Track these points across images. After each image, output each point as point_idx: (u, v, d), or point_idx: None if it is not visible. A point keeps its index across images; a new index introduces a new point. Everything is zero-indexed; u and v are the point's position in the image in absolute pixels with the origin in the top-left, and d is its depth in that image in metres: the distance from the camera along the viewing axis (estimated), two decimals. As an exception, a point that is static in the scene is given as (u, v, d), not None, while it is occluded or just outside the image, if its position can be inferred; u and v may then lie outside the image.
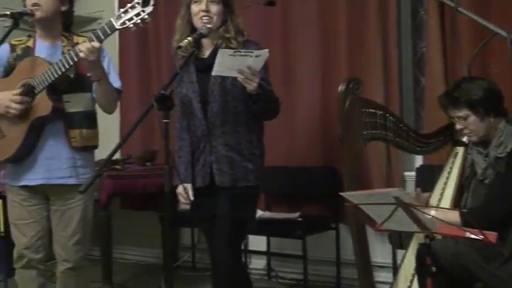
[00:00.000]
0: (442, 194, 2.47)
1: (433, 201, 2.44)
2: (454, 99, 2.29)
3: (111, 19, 2.28)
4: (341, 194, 2.03)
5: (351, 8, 3.48)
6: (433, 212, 2.02)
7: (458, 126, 2.34)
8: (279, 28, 3.75)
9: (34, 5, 2.43)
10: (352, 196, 2.00)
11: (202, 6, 2.37)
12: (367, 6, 3.42)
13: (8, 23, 3.64)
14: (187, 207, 2.57)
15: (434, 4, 3.14)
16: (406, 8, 3.59)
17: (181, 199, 2.52)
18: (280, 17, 3.74)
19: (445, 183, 2.49)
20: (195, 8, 2.40)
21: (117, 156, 4.01)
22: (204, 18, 2.37)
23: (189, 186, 2.50)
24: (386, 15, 3.37)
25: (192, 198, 2.48)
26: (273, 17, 3.75)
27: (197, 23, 2.38)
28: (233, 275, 2.45)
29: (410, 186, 3.23)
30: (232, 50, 2.23)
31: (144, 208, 4.26)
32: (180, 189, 2.50)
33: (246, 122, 2.44)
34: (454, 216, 2.13)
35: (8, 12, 2.29)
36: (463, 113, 2.28)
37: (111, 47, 3.52)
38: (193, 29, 2.41)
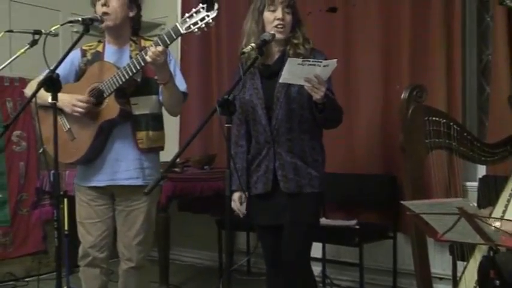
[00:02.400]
0: (506, 206, 2.39)
1: (497, 213, 2.37)
2: None
3: (177, 23, 2.34)
4: (403, 202, 2.00)
5: (414, 13, 3.43)
6: (497, 224, 1.96)
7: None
8: (340, 35, 3.74)
9: (104, 14, 2.52)
10: (414, 205, 1.97)
11: (278, 14, 2.40)
12: (432, 12, 3.36)
13: (77, 28, 3.83)
14: (240, 212, 2.58)
15: (502, 10, 3.05)
16: (471, 14, 3.50)
17: (235, 207, 2.54)
18: (342, 23, 3.73)
19: (511, 195, 2.41)
20: (269, 15, 2.42)
21: (178, 159, 4.12)
22: (279, 26, 2.40)
23: (241, 194, 2.52)
24: (451, 20, 3.30)
25: (244, 211, 2.50)
26: (334, 23, 3.74)
27: (270, 30, 2.40)
28: (303, 282, 2.45)
29: (473, 196, 3.14)
30: (301, 59, 2.24)
31: (200, 211, 4.32)
32: (235, 196, 2.53)
33: (310, 129, 2.45)
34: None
35: (79, 18, 2.38)
36: None
37: (173, 51, 3.60)
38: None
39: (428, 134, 2.38)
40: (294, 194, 2.43)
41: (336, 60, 2.25)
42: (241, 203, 2.53)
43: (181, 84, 2.61)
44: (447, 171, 2.79)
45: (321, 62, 2.21)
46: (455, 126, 2.42)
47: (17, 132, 4.00)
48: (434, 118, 2.39)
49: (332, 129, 2.59)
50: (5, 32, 2.40)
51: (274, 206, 2.47)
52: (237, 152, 2.56)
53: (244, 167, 2.54)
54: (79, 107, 2.48)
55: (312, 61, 2.22)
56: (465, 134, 2.45)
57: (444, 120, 2.41)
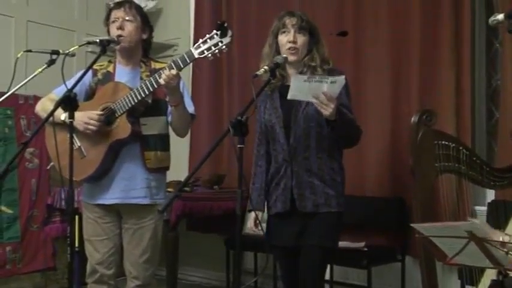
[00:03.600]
0: (515, 231, 2.39)
1: (506, 238, 2.37)
2: None
3: (191, 48, 2.39)
4: (412, 225, 2.01)
5: (424, 37, 3.46)
6: (506, 238, 1.96)
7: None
8: (350, 58, 3.77)
9: (119, 36, 2.58)
10: (423, 228, 1.98)
11: (290, 37, 2.44)
12: (441, 36, 3.39)
13: (92, 48, 3.90)
14: (255, 232, 2.59)
15: (510, 36, 3.08)
16: (480, 39, 3.54)
17: (252, 226, 2.55)
18: (352, 46, 3.76)
19: (519, 220, 2.41)
20: (282, 38, 2.47)
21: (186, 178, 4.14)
22: (291, 48, 2.44)
23: (260, 214, 2.53)
24: (461, 45, 3.33)
25: (263, 230, 2.49)
26: (344, 46, 3.77)
27: (284, 52, 2.45)
28: None
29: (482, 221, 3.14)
30: (306, 76, 2.27)
31: (209, 230, 4.33)
32: (252, 216, 2.54)
33: (328, 148, 2.45)
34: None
35: (97, 40, 2.44)
36: None
37: (185, 73, 3.65)
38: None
39: (437, 157, 2.40)
40: (311, 213, 2.43)
41: (343, 77, 2.26)
42: (256, 224, 2.53)
43: (189, 106, 2.65)
44: (456, 195, 2.80)
45: (327, 78, 2.23)
46: (464, 150, 2.45)
47: (30, 150, 4.05)
48: (443, 142, 2.42)
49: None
50: (24, 51, 2.46)
51: (292, 227, 2.46)
52: (256, 172, 2.58)
53: (263, 187, 2.55)
54: (91, 124, 2.52)
55: (318, 77, 2.24)
56: (474, 158, 2.47)
57: (453, 145, 2.43)
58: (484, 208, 3.19)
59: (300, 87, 2.24)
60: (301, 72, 2.46)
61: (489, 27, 3.48)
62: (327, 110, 2.24)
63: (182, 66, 2.41)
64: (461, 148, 2.45)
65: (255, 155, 2.60)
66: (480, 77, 3.54)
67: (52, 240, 4.13)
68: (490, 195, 3.24)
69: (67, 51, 2.38)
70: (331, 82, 2.22)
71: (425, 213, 2.43)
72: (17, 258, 4.01)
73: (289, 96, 2.31)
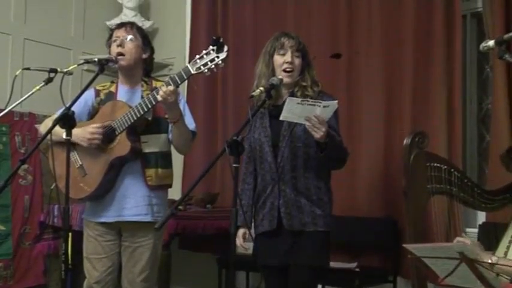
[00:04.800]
0: (506, 253, 2.41)
1: (494, 259, 2.39)
2: None
3: (188, 65, 2.41)
4: (404, 245, 2.03)
5: (416, 60, 3.51)
6: (494, 258, 1.98)
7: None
8: (343, 80, 3.81)
9: (119, 54, 2.61)
10: (415, 249, 2.00)
11: (288, 58, 2.49)
12: (433, 60, 3.45)
13: (88, 67, 3.93)
14: (245, 251, 2.61)
15: (501, 62, 3.14)
16: (472, 64, 3.61)
17: (238, 242, 2.56)
18: (345, 69, 3.81)
19: (510, 242, 2.44)
20: (279, 58, 2.51)
21: (179, 196, 4.14)
22: (288, 69, 2.48)
23: (247, 231, 2.56)
24: (452, 69, 3.38)
25: (247, 246, 2.51)
26: (338, 68, 3.82)
27: (279, 73, 2.49)
28: None
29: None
30: (300, 99, 2.30)
31: (201, 249, 4.33)
32: (240, 232, 2.56)
33: (315, 168, 2.48)
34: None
35: (95, 59, 2.47)
36: None
37: (180, 91, 3.67)
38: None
39: (429, 179, 2.43)
40: (298, 232, 2.45)
41: (336, 101, 2.31)
42: (244, 239, 2.56)
43: (190, 123, 2.67)
44: (448, 216, 2.82)
45: (320, 102, 2.26)
46: (456, 172, 2.48)
47: (24, 166, 4.04)
48: (435, 164, 2.45)
49: (334, 171, 2.64)
50: (22, 69, 2.48)
51: (279, 246, 2.48)
52: (243, 189, 2.61)
53: (250, 204, 2.58)
54: (95, 138, 2.54)
55: (312, 101, 2.28)
56: (465, 180, 2.50)
57: (445, 167, 2.47)
58: (475, 230, 3.22)
59: (293, 109, 2.28)
60: (292, 92, 2.50)
61: (480, 52, 3.56)
62: (318, 133, 2.28)
63: (179, 82, 2.44)
64: (452, 170, 2.48)
65: (243, 172, 2.63)
66: (471, 100, 3.60)
67: (44, 257, 4.11)
68: (481, 217, 3.27)
69: (65, 70, 2.40)
70: (324, 106, 2.26)
71: (417, 234, 2.45)
72: (8, 275, 3.99)
73: (281, 117, 2.34)
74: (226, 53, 2.35)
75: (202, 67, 2.37)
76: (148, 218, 2.61)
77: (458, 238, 1.99)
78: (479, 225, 3.20)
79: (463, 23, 3.52)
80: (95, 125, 2.56)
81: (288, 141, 2.47)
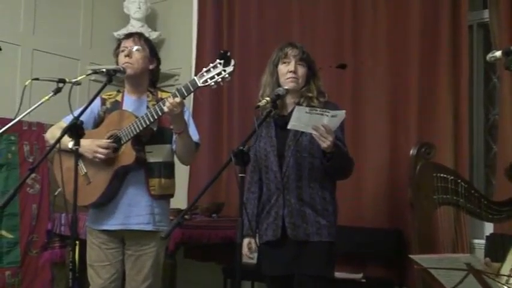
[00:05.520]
0: (514, 265, 2.40)
1: (505, 270, 2.38)
2: None
3: (195, 77, 2.43)
4: (411, 256, 2.03)
5: (422, 70, 3.51)
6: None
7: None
8: (349, 90, 3.82)
9: (126, 63, 2.64)
10: (422, 259, 2.00)
11: (291, 67, 2.50)
12: (439, 70, 3.44)
13: (95, 77, 3.97)
14: (250, 261, 2.61)
15: (508, 73, 3.14)
16: (479, 74, 3.60)
17: (246, 252, 2.57)
18: (351, 79, 3.82)
19: (518, 253, 2.43)
20: (283, 68, 2.53)
21: (185, 206, 4.15)
22: (291, 78, 2.49)
23: (252, 240, 2.56)
24: (459, 79, 3.38)
25: (253, 256, 2.52)
26: (343, 78, 3.82)
27: (283, 82, 2.51)
28: None
29: (479, 254, 3.14)
30: (308, 108, 2.32)
31: (206, 259, 4.32)
32: (245, 241, 2.56)
33: (320, 178, 2.49)
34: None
35: (103, 69, 2.49)
36: None
37: (186, 102, 3.70)
38: (278, 87, 2.51)
39: (436, 190, 2.43)
40: (302, 242, 2.45)
41: (344, 111, 2.32)
42: (249, 249, 2.56)
43: (194, 134, 2.69)
44: (454, 227, 2.82)
45: (328, 112, 2.28)
46: (462, 183, 2.48)
47: (32, 175, 4.06)
48: (442, 175, 2.45)
49: (340, 181, 2.64)
50: (32, 79, 2.50)
51: (284, 255, 2.49)
52: (248, 198, 2.61)
53: (255, 213, 2.58)
54: (100, 153, 2.56)
55: (320, 110, 2.30)
56: (472, 191, 2.50)
57: (452, 177, 2.47)
58: (483, 241, 3.21)
59: (301, 118, 2.29)
60: (298, 103, 2.51)
61: (487, 62, 3.56)
62: (325, 143, 2.30)
63: (186, 94, 2.46)
64: (459, 181, 2.48)
65: (248, 181, 2.63)
66: (478, 111, 3.59)
67: (51, 266, 4.12)
68: (489, 228, 3.26)
69: (74, 80, 2.43)
70: (332, 116, 2.28)
71: (424, 245, 2.45)
72: (16, 283, 4.00)
73: (289, 126, 2.35)
74: (233, 67, 2.37)
75: (209, 80, 2.39)
76: (150, 227, 2.64)
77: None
78: (487, 236, 3.19)
79: (470, 34, 3.52)
80: (104, 141, 2.57)
81: (294, 151, 2.48)
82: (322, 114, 2.27)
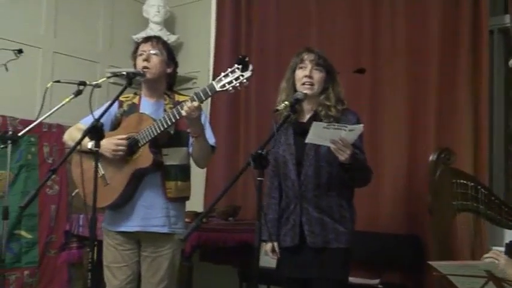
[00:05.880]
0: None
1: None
2: None
3: (213, 82, 2.44)
4: (430, 263, 2.01)
5: (442, 76, 3.49)
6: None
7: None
8: (367, 95, 3.81)
9: (144, 67, 2.66)
10: (441, 266, 1.98)
11: (306, 71, 2.50)
12: (459, 76, 3.42)
13: (114, 80, 4.00)
14: (269, 264, 2.61)
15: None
16: (499, 80, 3.57)
17: (270, 255, 2.57)
18: (369, 84, 3.80)
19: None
20: (299, 73, 2.53)
21: (201, 209, 4.17)
22: (307, 83, 2.49)
23: (275, 244, 2.56)
24: (479, 85, 3.35)
25: (279, 255, 2.52)
26: (361, 84, 3.81)
27: (299, 87, 2.51)
28: None
29: (502, 259, 3.10)
30: (326, 123, 2.32)
31: (222, 262, 4.32)
32: (269, 246, 2.56)
33: (338, 186, 2.49)
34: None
35: (124, 72, 2.52)
36: None
37: (204, 106, 3.71)
38: (295, 92, 2.52)
39: (455, 196, 2.42)
40: (320, 249, 2.45)
41: (362, 125, 2.32)
42: (273, 252, 2.56)
43: (210, 138, 2.70)
44: (474, 234, 2.79)
45: (346, 126, 2.28)
46: (482, 189, 2.46)
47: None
48: (461, 181, 2.44)
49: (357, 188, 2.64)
50: (53, 82, 2.54)
51: (302, 260, 2.49)
52: (269, 203, 2.61)
53: (275, 218, 2.58)
54: (119, 150, 2.58)
55: (337, 126, 2.29)
56: (493, 198, 2.48)
57: (472, 184, 2.45)
58: (502, 248, 3.16)
59: (318, 133, 2.30)
60: (315, 112, 2.51)
61: (508, 67, 3.52)
62: (343, 156, 2.30)
63: (204, 98, 2.46)
64: (479, 187, 2.46)
65: (268, 186, 2.64)
66: (498, 117, 3.56)
67: (68, 266, 4.16)
68: (509, 235, 3.21)
69: (94, 83, 2.46)
70: (350, 130, 2.28)
71: (442, 252, 2.43)
72: (34, 283, 4.05)
73: (307, 140, 2.36)
74: (251, 72, 2.37)
75: (227, 85, 2.39)
76: (165, 230, 2.64)
77: (491, 252, 1.95)
78: (506, 243, 3.13)
79: (490, 39, 3.49)
80: (120, 137, 2.60)
81: (313, 160, 2.48)
82: (339, 129, 2.28)
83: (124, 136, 2.60)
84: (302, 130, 2.49)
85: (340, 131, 2.27)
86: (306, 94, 2.46)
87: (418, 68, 3.62)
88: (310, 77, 2.50)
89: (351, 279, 3.52)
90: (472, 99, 3.36)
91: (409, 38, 3.66)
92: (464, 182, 2.44)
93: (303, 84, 2.50)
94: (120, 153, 2.58)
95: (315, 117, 2.45)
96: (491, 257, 1.89)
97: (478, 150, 3.33)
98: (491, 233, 3.25)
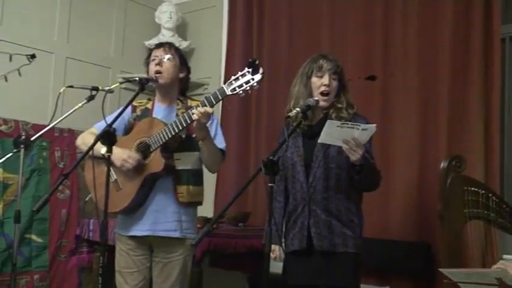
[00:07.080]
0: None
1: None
2: None
3: (223, 86, 2.45)
4: (441, 270, 2.01)
5: (453, 83, 3.48)
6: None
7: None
8: (378, 102, 3.80)
9: (157, 72, 2.68)
10: (451, 273, 1.98)
11: (325, 80, 2.51)
12: (470, 83, 3.41)
13: (126, 85, 4.03)
14: (279, 270, 2.61)
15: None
16: (510, 87, 3.55)
17: (273, 258, 2.58)
18: (380, 91, 3.80)
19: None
20: (317, 81, 2.53)
21: (211, 214, 4.18)
22: (325, 91, 2.50)
23: (277, 247, 2.57)
24: (490, 92, 3.34)
25: (282, 258, 2.52)
26: (372, 90, 3.81)
27: (317, 95, 2.51)
28: None
29: (510, 270, 3.09)
30: (340, 122, 2.32)
31: (231, 268, 4.32)
32: (272, 248, 2.56)
33: (347, 190, 2.49)
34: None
35: (136, 78, 2.54)
36: None
37: (215, 111, 3.73)
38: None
39: (466, 204, 2.41)
40: (328, 253, 2.45)
41: (375, 125, 2.31)
42: (273, 253, 2.57)
43: (220, 142, 2.71)
44: (484, 242, 2.78)
45: (359, 125, 2.28)
46: (494, 197, 2.45)
47: (63, 181, 4.15)
48: (473, 188, 2.43)
49: (369, 193, 2.63)
50: (66, 87, 2.56)
51: (310, 266, 2.48)
52: (274, 207, 2.62)
53: (281, 222, 2.59)
54: (129, 163, 2.60)
55: (351, 124, 2.29)
56: (504, 206, 2.47)
57: (483, 191, 2.44)
58: (513, 257, 3.16)
59: (331, 132, 2.30)
60: (327, 114, 2.52)
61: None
62: (355, 156, 2.30)
63: (214, 102, 2.48)
64: (490, 195, 2.45)
65: (274, 190, 2.63)
66: (509, 124, 3.54)
67: (78, 271, 4.18)
68: (519, 244, 3.21)
69: (107, 88, 2.48)
70: (363, 129, 2.28)
71: (453, 259, 2.43)
72: (44, 287, 4.06)
73: (320, 140, 2.36)
74: (261, 75, 2.37)
75: (237, 88, 2.40)
76: (177, 234, 2.65)
77: (499, 263, 1.95)
78: (517, 252, 3.14)
79: (502, 47, 3.48)
80: (133, 154, 2.60)
81: (321, 162, 2.48)
82: (352, 128, 2.27)
83: (137, 156, 2.60)
84: (311, 133, 2.50)
85: (353, 130, 2.27)
86: (317, 101, 2.47)
87: (429, 75, 3.61)
88: (328, 85, 2.51)
89: (362, 286, 3.53)
90: (484, 106, 3.35)
91: (421, 45, 3.66)
92: (476, 189, 2.43)
93: (321, 93, 2.51)
94: (128, 166, 2.59)
95: (326, 119, 2.46)
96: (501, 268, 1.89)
97: (489, 158, 3.31)
98: (502, 240, 3.23)
